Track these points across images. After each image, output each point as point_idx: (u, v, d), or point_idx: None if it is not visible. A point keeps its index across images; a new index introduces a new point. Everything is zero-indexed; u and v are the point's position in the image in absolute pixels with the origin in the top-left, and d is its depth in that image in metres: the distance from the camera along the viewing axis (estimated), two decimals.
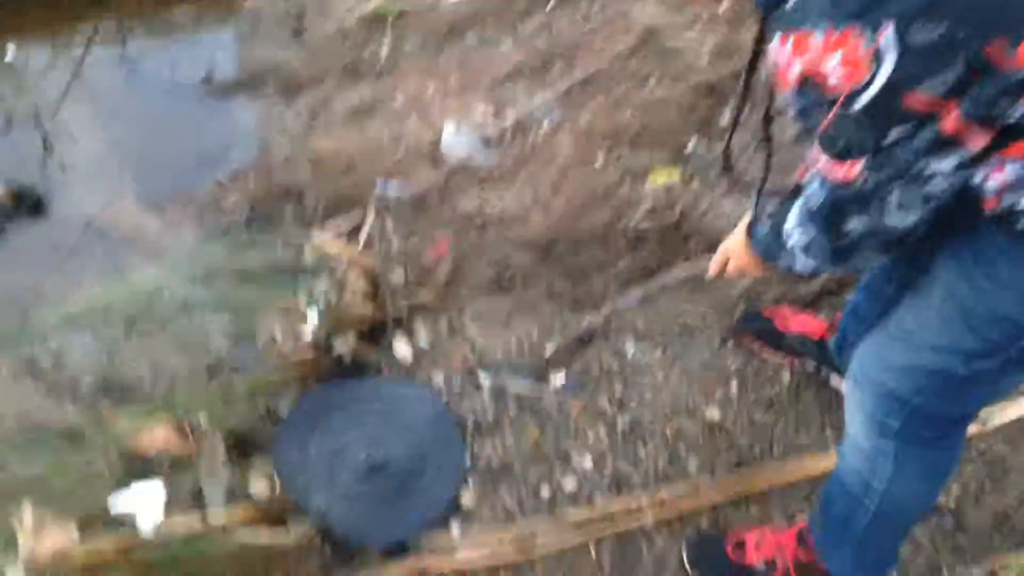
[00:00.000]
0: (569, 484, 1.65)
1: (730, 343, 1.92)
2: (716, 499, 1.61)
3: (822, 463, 1.61)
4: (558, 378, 1.84)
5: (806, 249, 1.01)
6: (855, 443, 1.18)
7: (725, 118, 2.39)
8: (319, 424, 1.70)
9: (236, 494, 1.59)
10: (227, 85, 2.62)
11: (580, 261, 2.11)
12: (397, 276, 2.05)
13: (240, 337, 1.98)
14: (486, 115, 2.42)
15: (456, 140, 2.34)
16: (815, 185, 0.96)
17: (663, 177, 2.24)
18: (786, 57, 0.83)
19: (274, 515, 1.54)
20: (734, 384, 1.81)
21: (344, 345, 1.85)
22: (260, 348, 1.93)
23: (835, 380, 1.75)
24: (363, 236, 2.16)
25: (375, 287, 2.00)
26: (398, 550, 1.54)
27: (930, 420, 1.10)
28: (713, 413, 1.75)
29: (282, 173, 2.36)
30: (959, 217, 0.93)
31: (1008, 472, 1.54)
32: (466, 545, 1.56)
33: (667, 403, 1.79)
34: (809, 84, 0.82)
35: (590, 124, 2.39)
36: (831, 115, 0.82)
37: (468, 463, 1.69)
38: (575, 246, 2.13)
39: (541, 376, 1.85)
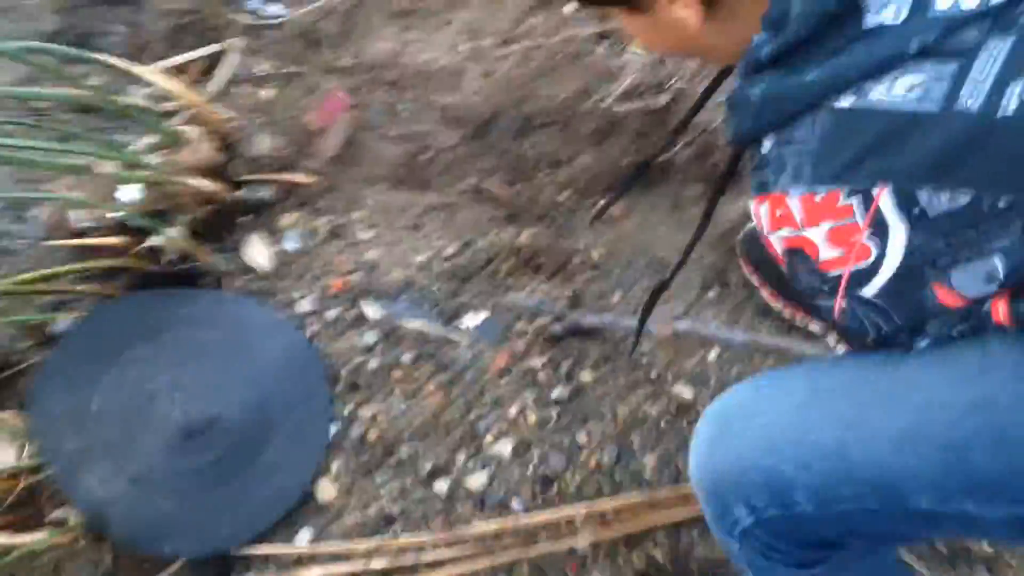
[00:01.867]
0: (476, 479, 1.28)
1: (713, 291, 1.55)
2: (677, 516, 1.27)
3: None
4: (474, 318, 1.43)
5: None
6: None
7: None
8: (113, 356, 1.26)
9: None
10: None
11: (526, 150, 1.67)
12: (262, 142, 1.56)
13: (15, 207, 1.48)
14: None
15: None
16: None
17: None
18: (765, 223, 0.71)
19: (23, 498, 1.11)
20: (713, 351, 1.44)
21: (169, 238, 1.38)
22: (42, 225, 1.45)
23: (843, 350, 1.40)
24: (220, 76, 1.64)
25: (229, 154, 1.52)
26: (217, 564, 1.15)
27: (802, 538, 0.78)
28: (682, 390, 1.38)
29: None
30: None
31: None
32: (317, 560, 1.18)
33: (621, 369, 1.41)
34: (799, 258, 0.70)
35: None
36: (838, 303, 0.70)
37: (333, 433, 1.29)
38: (522, 127, 1.69)
39: (453, 313, 1.44)
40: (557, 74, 1.73)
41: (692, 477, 0.83)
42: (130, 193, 1.45)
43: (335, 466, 1.27)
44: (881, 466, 0.70)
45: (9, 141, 1.45)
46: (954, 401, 0.68)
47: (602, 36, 1.81)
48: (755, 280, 1.48)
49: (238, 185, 1.50)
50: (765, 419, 0.76)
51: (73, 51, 1.49)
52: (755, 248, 1.47)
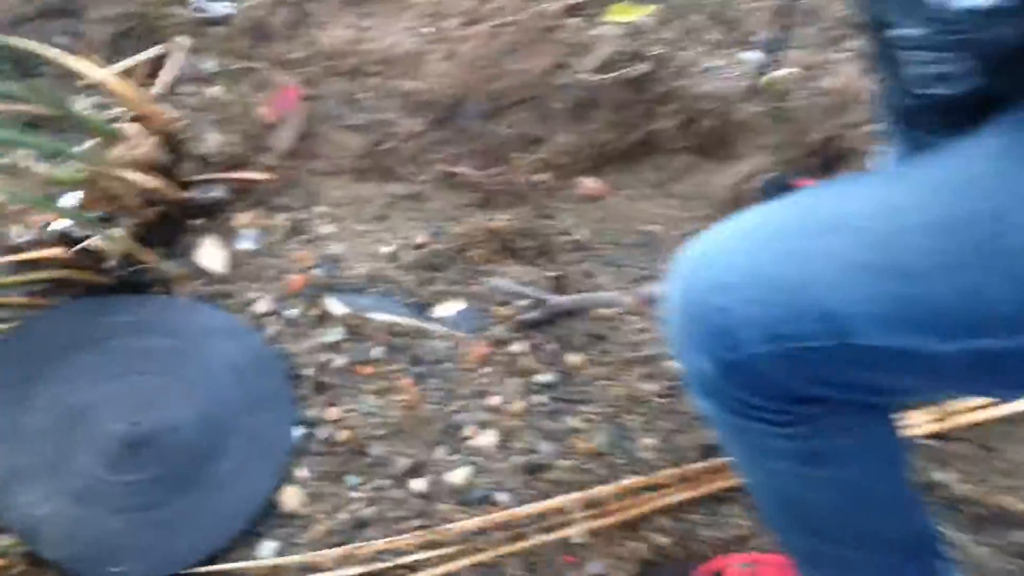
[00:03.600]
0: (458, 474, 1.23)
1: None
2: (679, 498, 1.21)
3: None
4: (449, 308, 1.40)
5: None
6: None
7: None
8: (49, 368, 1.23)
9: None
10: None
11: (497, 131, 1.65)
12: (211, 141, 1.54)
13: None
14: None
15: None
16: None
17: (629, 13, 1.77)
18: None
19: None
20: None
21: (108, 238, 1.35)
22: None
23: None
24: (164, 77, 1.64)
25: (176, 155, 1.50)
26: None
27: (770, 389, 0.71)
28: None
29: None
30: None
31: None
32: (283, 574, 1.13)
33: (615, 348, 1.37)
34: None
35: None
36: None
37: (298, 437, 1.24)
38: (492, 108, 1.67)
39: (425, 304, 1.40)
40: (527, 51, 1.71)
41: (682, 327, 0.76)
42: (71, 200, 1.44)
43: (301, 472, 1.22)
44: (827, 295, 0.64)
45: None
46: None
47: (573, 9, 1.80)
48: None
49: (188, 186, 1.48)
50: (727, 257, 0.70)
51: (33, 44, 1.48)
52: (778, 195, 1.42)
